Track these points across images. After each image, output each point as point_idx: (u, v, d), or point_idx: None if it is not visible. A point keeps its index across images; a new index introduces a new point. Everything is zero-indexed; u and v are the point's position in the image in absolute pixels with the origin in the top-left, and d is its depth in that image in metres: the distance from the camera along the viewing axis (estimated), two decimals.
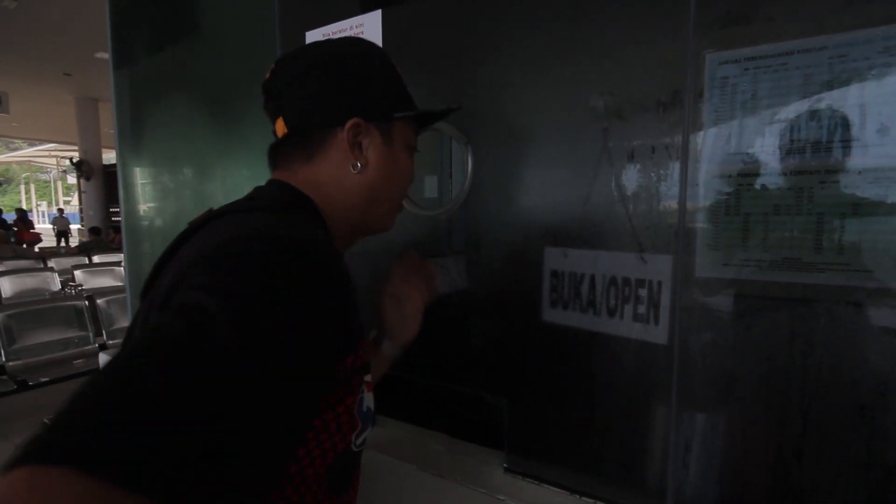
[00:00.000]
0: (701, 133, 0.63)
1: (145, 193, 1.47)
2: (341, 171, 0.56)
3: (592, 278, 0.74)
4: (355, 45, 0.59)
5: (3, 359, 3.01)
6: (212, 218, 0.50)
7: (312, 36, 1.00)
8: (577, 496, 0.75)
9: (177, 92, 1.35)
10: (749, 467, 0.64)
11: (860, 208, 0.55)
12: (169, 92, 1.37)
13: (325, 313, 0.42)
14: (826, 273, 0.57)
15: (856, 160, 0.55)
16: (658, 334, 0.68)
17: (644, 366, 0.70)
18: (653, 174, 0.67)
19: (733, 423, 0.64)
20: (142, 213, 1.48)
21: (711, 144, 0.63)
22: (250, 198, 0.55)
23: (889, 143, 0.53)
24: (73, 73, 8.68)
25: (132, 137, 1.48)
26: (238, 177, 1.22)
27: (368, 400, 0.51)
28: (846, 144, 0.55)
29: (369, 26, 0.91)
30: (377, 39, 0.90)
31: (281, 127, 0.56)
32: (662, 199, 0.67)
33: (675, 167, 0.65)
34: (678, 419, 0.68)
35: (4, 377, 2.96)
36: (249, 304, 0.36)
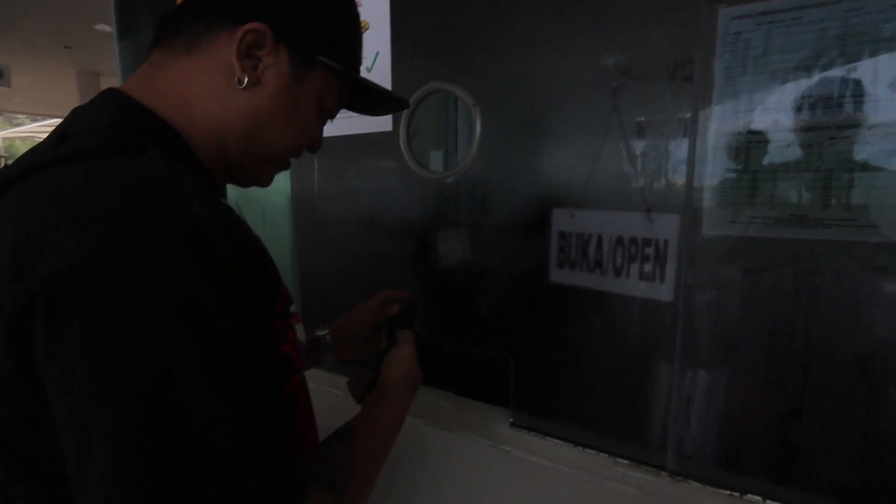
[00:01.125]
0: (712, 91, 0.63)
1: None
2: (223, 79, 0.44)
3: (600, 238, 0.75)
4: None
5: None
6: (15, 180, 0.37)
7: None
8: (581, 448, 0.78)
9: None
10: (749, 422, 0.66)
11: (869, 164, 0.55)
12: None
13: (250, 288, 0.37)
14: (832, 229, 0.58)
15: (866, 116, 0.55)
16: (664, 292, 0.69)
17: (649, 323, 0.71)
18: (662, 133, 0.67)
19: (735, 378, 0.66)
20: None
21: (722, 102, 0.63)
22: (64, 133, 0.40)
23: None
24: (74, 46, 8.57)
25: None
26: None
27: (300, 332, 0.48)
28: (858, 100, 0.55)
29: None
30: (386, 5, 0.89)
31: None
32: (671, 158, 0.67)
33: (686, 125, 0.65)
34: (681, 375, 0.70)
35: None
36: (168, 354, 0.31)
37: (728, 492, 0.67)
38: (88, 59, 9.39)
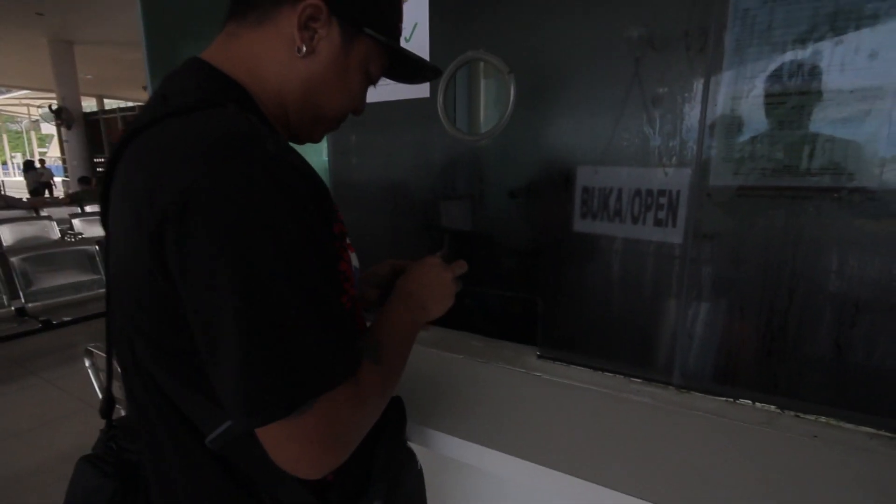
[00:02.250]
0: (722, 60, 0.74)
1: None
2: (285, 49, 0.51)
3: (620, 191, 0.86)
4: None
5: (23, 300, 3.10)
6: (136, 133, 0.47)
7: None
8: (600, 372, 0.91)
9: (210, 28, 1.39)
10: (742, 341, 0.80)
11: (848, 122, 0.67)
12: (201, 28, 1.40)
13: (312, 210, 0.45)
14: (817, 177, 0.70)
15: (848, 81, 0.67)
16: (675, 235, 0.82)
17: (661, 263, 0.84)
18: (678, 98, 0.78)
19: (732, 305, 0.79)
20: None
21: (731, 70, 0.74)
22: (164, 96, 0.49)
23: (876, 66, 0.65)
24: (46, 12, 8.22)
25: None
26: None
27: (354, 259, 0.56)
28: (842, 68, 0.67)
29: None
30: None
31: None
32: (685, 119, 0.78)
33: (699, 90, 0.76)
34: (687, 305, 0.83)
35: (25, 318, 3.07)
36: (269, 251, 0.40)
37: (724, 398, 0.81)
38: (61, 27, 9.02)
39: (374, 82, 0.60)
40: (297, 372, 0.41)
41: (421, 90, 1.01)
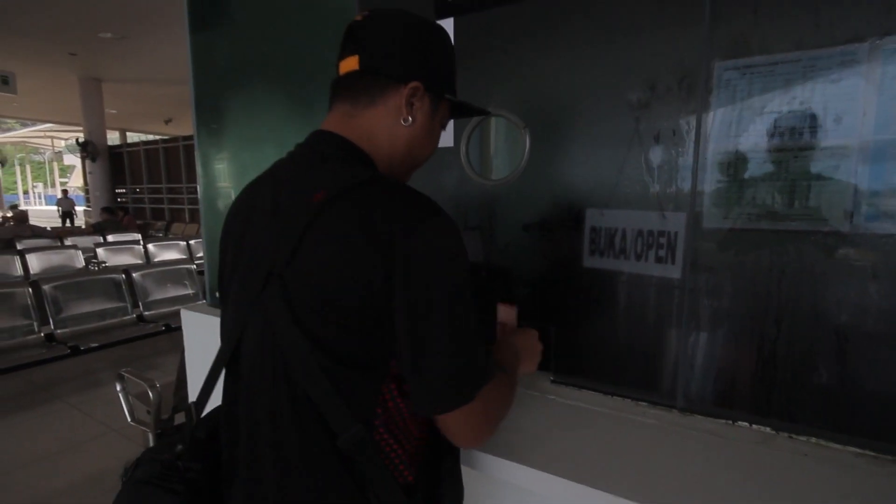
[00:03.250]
0: (710, 120, 0.86)
1: (220, 171, 1.68)
2: (394, 121, 0.66)
3: (624, 231, 0.97)
4: (438, 28, 0.71)
5: (52, 326, 3.23)
6: (336, 199, 0.59)
7: None
8: (610, 396, 1.00)
9: (254, 70, 1.54)
10: (738, 368, 0.89)
11: (820, 175, 0.78)
12: (246, 70, 1.56)
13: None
14: (796, 222, 0.80)
15: (818, 141, 0.78)
16: (673, 271, 0.92)
17: (662, 295, 0.93)
18: (672, 151, 0.90)
19: (727, 334, 0.88)
20: (217, 189, 1.69)
21: (717, 129, 0.85)
22: (323, 154, 0.65)
23: (841, 129, 0.76)
24: (79, 52, 8.73)
25: (209, 115, 1.68)
26: None
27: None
28: (813, 130, 0.78)
29: None
30: None
31: (351, 63, 0.66)
32: (680, 169, 0.89)
33: (690, 146, 0.87)
34: (687, 334, 0.92)
35: (54, 343, 3.19)
36: (463, 279, 0.60)
37: (724, 420, 0.89)
38: (91, 65, 9.54)
39: (444, 128, 0.77)
40: (477, 371, 0.61)
41: (446, 139, 1.14)
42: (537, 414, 0.93)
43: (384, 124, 0.67)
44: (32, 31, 7.62)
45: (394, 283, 0.56)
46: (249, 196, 0.72)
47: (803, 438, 0.82)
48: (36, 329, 3.17)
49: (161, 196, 12.15)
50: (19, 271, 4.75)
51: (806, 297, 0.81)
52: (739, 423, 0.88)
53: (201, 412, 0.73)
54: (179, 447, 0.70)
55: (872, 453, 0.77)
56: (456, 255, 0.59)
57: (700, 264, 0.89)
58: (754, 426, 0.86)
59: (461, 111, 0.79)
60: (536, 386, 1.05)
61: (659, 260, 0.93)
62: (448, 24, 1.11)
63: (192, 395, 1.67)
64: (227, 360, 0.68)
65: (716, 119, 0.85)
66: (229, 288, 0.71)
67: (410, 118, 0.67)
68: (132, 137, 16.35)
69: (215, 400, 0.73)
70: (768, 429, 0.85)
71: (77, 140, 10.85)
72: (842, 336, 0.79)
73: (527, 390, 1.03)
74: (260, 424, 0.63)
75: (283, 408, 0.60)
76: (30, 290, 3.21)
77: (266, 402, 0.62)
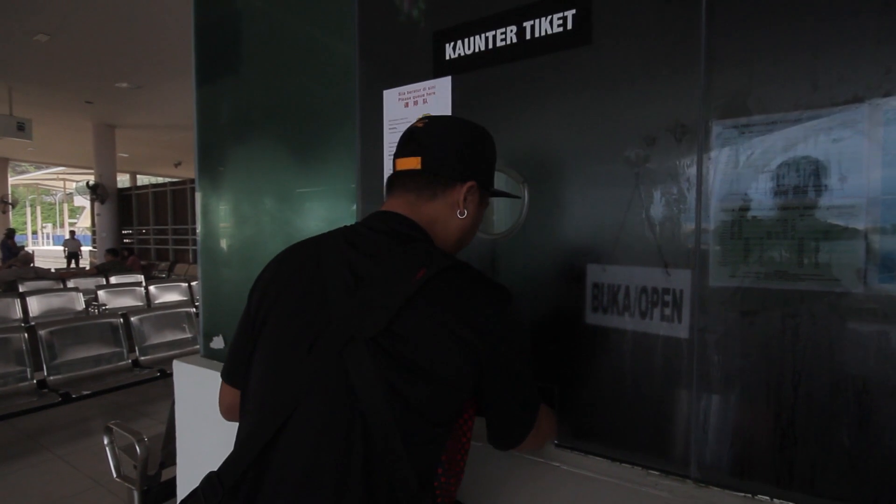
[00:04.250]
0: (710, 177, 0.84)
1: (222, 218, 1.68)
2: (450, 213, 0.78)
3: (627, 288, 0.94)
4: (488, 134, 0.83)
5: (46, 373, 3.17)
6: (434, 277, 0.67)
7: (389, 94, 1.23)
8: (618, 463, 0.93)
9: (256, 122, 1.57)
10: (754, 435, 0.83)
11: (829, 234, 0.76)
12: (248, 121, 1.59)
13: None
14: (806, 281, 0.77)
15: (824, 199, 0.76)
16: (681, 330, 0.88)
17: (670, 356, 0.89)
18: (674, 208, 0.88)
19: (741, 399, 0.83)
20: (218, 235, 1.69)
21: (719, 186, 0.84)
22: (408, 236, 0.74)
23: (846, 188, 0.74)
24: (95, 101, 9.07)
25: (212, 163, 1.70)
26: (316, 206, 1.43)
27: None
28: (817, 188, 0.77)
29: (440, 89, 1.14)
30: (447, 100, 1.13)
31: (413, 163, 0.77)
32: (682, 227, 0.88)
33: (692, 203, 0.86)
34: (698, 398, 0.87)
35: (45, 391, 3.12)
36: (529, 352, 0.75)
37: (742, 494, 0.82)
38: (106, 113, 9.87)
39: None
40: (536, 403, 0.79)
41: None
42: (540, 484, 0.87)
43: (443, 216, 0.78)
44: (51, 81, 7.95)
45: (491, 357, 0.67)
46: (308, 257, 0.75)
47: None
48: (29, 376, 3.10)
49: (166, 237, 12.27)
50: (19, 314, 4.73)
51: (823, 358, 0.76)
52: (759, 496, 0.81)
53: (225, 488, 0.65)
54: None
55: None
56: (524, 324, 0.74)
57: (709, 323, 0.85)
58: (776, 500, 0.80)
59: (495, 195, 0.90)
60: (539, 451, 0.99)
61: (665, 318, 0.90)
62: (446, 83, 1.13)
63: (183, 450, 1.60)
64: (279, 426, 0.63)
65: (717, 176, 0.84)
66: (264, 351, 0.70)
67: (466, 211, 0.78)
68: (142, 180, 16.70)
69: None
70: None
71: (88, 183, 11.08)
72: (863, 399, 0.74)
73: (530, 456, 0.97)
74: (319, 485, 0.60)
75: (355, 466, 0.61)
76: (25, 335, 3.17)
77: (333, 462, 0.61)
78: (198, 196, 1.73)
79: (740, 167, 0.82)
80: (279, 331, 0.70)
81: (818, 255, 0.77)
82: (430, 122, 0.79)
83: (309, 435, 0.63)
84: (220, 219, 1.68)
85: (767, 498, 0.81)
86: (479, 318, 0.66)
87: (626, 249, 0.94)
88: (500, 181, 1.11)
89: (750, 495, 0.82)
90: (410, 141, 0.78)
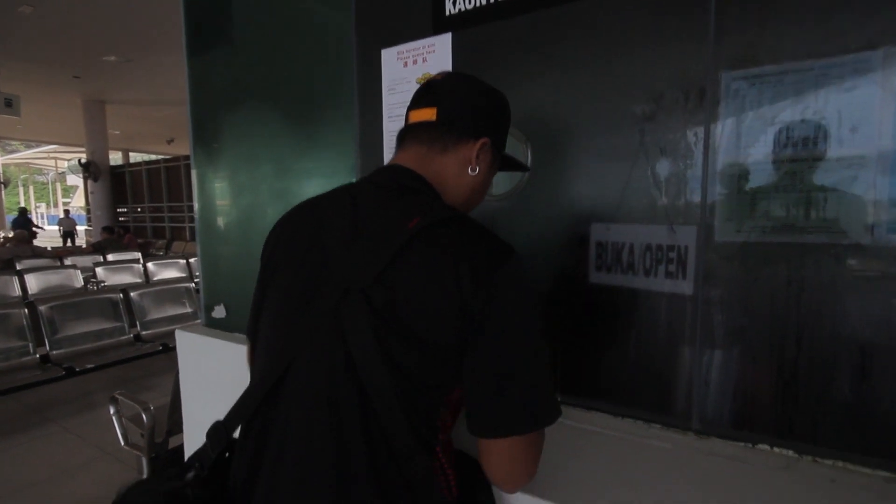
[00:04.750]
0: (718, 131, 0.83)
1: (217, 190, 1.66)
2: (462, 169, 0.74)
3: (631, 246, 0.94)
4: (504, 97, 0.80)
5: (48, 347, 3.18)
6: (429, 227, 0.63)
7: (387, 53, 1.19)
8: (620, 418, 0.95)
9: (250, 92, 1.53)
10: (756, 388, 0.84)
11: (837, 186, 0.75)
12: (242, 91, 1.55)
13: None
14: (813, 234, 0.77)
15: (834, 151, 0.75)
16: (685, 287, 0.88)
17: (673, 312, 0.90)
18: (681, 163, 0.87)
19: (744, 353, 0.84)
20: (216, 204, 1.67)
21: (727, 140, 0.83)
22: (407, 187, 0.70)
23: (858, 139, 0.73)
24: (83, 75, 8.85)
25: (206, 136, 1.66)
26: (315, 174, 1.41)
27: None
28: (827, 139, 0.76)
29: (440, 46, 1.10)
30: (447, 57, 1.10)
31: (427, 114, 0.73)
32: (688, 182, 0.87)
33: (699, 157, 0.85)
34: (701, 353, 0.88)
35: (49, 364, 3.14)
36: (539, 313, 0.69)
37: (743, 444, 0.84)
38: (95, 88, 9.65)
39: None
40: (548, 406, 0.64)
41: None
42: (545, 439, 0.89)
43: (453, 171, 0.74)
44: (38, 56, 7.73)
45: (482, 314, 0.59)
46: (307, 215, 0.74)
47: (829, 462, 0.78)
48: (31, 351, 3.12)
49: (162, 215, 12.18)
50: (17, 291, 4.72)
51: (827, 312, 0.77)
52: (760, 445, 0.83)
53: (226, 438, 0.67)
54: (190, 475, 0.66)
55: None
56: (532, 290, 0.65)
57: (713, 279, 0.85)
58: (776, 449, 0.82)
59: (506, 165, 0.87)
60: None
61: (669, 275, 0.90)
62: (446, 40, 1.10)
63: (189, 417, 1.62)
64: (278, 376, 0.64)
65: (725, 130, 0.83)
66: (270, 304, 0.70)
67: (478, 168, 0.74)
68: (135, 157, 16.47)
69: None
70: (791, 452, 0.80)
71: (80, 161, 10.92)
72: (867, 353, 0.75)
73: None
74: (317, 442, 0.60)
75: (354, 424, 0.59)
76: (26, 310, 3.17)
77: (330, 418, 0.60)
78: (193, 168, 1.70)
79: (749, 120, 0.81)
80: (283, 285, 0.70)
81: (826, 207, 0.76)
82: (448, 75, 0.78)
83: (306, 389, 0.62)
84: (216, 188, 1.66)
85: (767, 447, 0.82)
86: (477, 271, 0.60)
87: (631, 207, 0.93)
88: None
89: (750, 445, 0.84)
90: (427, 93, 0.76)
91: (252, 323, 0.76)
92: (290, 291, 0.68)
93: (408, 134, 0.77)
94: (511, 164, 0.87)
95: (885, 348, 0.73)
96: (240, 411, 0.66)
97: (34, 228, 11.70)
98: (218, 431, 0.67)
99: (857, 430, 0.77)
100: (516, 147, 1.05)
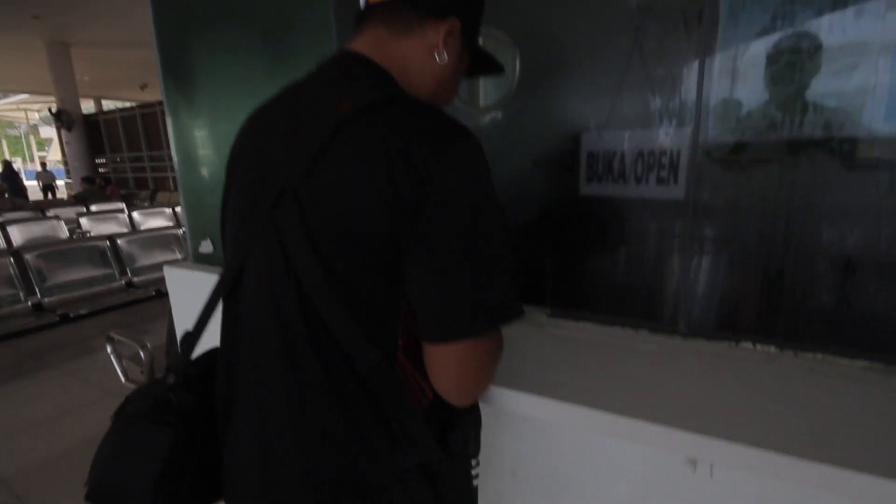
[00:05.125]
0: (717, 27, 0.78)
1: (194, 122, 1.58)
2: (427, 56, 0.63)
3: (623, 154, 0.91)
4: None
5: (39, 295, 3.17)
6: (362, 111, 0.55)
7: None
8: (609, 326, 0.97)
9: (219, 15, 1.42)
10: (743, 290, 0.85)
11: (837, 76, 0.72)
12: (210, 14, 1.44)
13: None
14: (809, 128, 0.75)
15: (836, 39, 0.72)
16: (676, 191, 0.87)
17: (664, 218, 0.89)
18: (676, 63, 0.83)
19: (732, 254, 0.84)
20: (194, 141, 1.60)
21: (726, 35, 0.78)
22: (351, 76, 0.60)
23: (862, 24, 0.69)
24: (42, 15, 8.24)
25: (177, 74, 1.56)
26: None
27: None
28: (830, 26, 0.72)
29: None
30: None
31: None
32: (684, 82, 0.83)
33: (695, 51, 0.81)
34: (690, 257, 0.88)
35: (42, 311, 3.14)
36: (494, 204, 0.55)
37: (727, 343, 0.86)
38: (57, 28, 9.03)
39: (463, 78, 0.74)
40: (497, 305, 0.55)
41: None
42: (534, 345, 0.90)
43: (417, 57, 0.63)
44: None
45: (416, 205, 0.51)
46: (260, 115, 0.67)
47: (809, 355, 0.80)
48: (22, 299, 3.11)
49: (143, 164, 11.82)
50: (2, 244, 4.64)
51: (818, 210, 0.76)
52: (743, 343, 0.85)
53: (195, 344, 0.68)
54: (171, 380, 0.67)
55: (882, 365, 0.75)
56: (487, 179, 0.55)
57: (705, 183, 0.84)
58: (758, 346, 0.84)
59: (478, 67, 0.75)
60: (532, 321, 1.02)
61: (660, 181, 0.88)
62: None
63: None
64: (228, 288, 0.63)
65: (724, 23, 0.78)
66: (229, 207, 0.67)
67: (445, 55, 0.63)
68: (108, 106, 15.74)
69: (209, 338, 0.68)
70: (773, 348, 0.83)
71: (50, 109, 10.42)
72: (853, 252, 0.75)
73: (522, 325, 1.00)
74: (270, 354, 0.59)
75: (299, 336, 0.56)
76: (12, 259, 3.12)
77: (279, 330, 0.57)
78: (164, 98, 1.61)
79: (751, 12, 0.76)
80: (237, 187, 0.67)
81: (824, 100, 0.73)
82: None
83: (255, 298, 0.60)
84: (191, 120, 1.58)
85: (751, 345, 0.84)
86: (411, 156, 0.51)
87: (624, 113, 0.90)
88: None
89: (734, 343, 0.86)
90: None
91: (221, 227, 0.74)
92: (241, 193, 0.65)
93: (364, 14, 0.66)
94: (484, 65, 0.76)
95: (872, 246, 0.74)
96: (201, 318, 0.66)
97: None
98: (187, 338, 0.67)
99: (839, 326, 0.78)
100: (504, 54, 0.99)
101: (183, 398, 0.66)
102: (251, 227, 0.60)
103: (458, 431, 0.63)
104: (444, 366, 0.56)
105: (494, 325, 0.55)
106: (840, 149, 0.73)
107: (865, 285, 0.76)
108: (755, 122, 0.78)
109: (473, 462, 0.68)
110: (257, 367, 0.61)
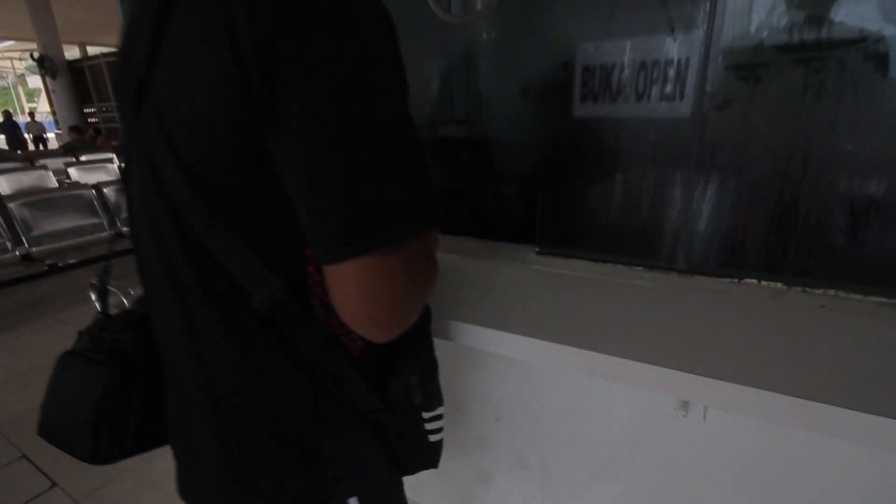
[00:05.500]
0: None
1: None
2: None
3: (622, 66, 0.80)
4: None
5: (27, 245, 3.11)
6: None
7: None
8: (601, 263, 0.89)
9: None
10: (751, 221, 0.76)
11: None
12: None
13: (398, 48, 0.43)
14: (839, 26, 0.63)
15: None
16: (682, 109, 0.76)
17: (667, 142, 0.79)
18: None
19: (744, 178, 0.75)
20: None
21: None
22: None
23: None
24: None
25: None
26: None
27: None
28: None
29: None
30: None
31: None
32: None
33: None
34: (694, 185, 0.79)
35: (33, 261, 3.10)
36: (380, 70, 0.40)
37: (728, 279, 0.79)
38: None
39: None
40: (393, 208, 0.41)
41: None
42: (518, 283, 0.83)
43: None
44: None
45: (271, 76, 0.37)
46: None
47: (819, 292, 0.72)
48: (10, 248, 3.05)
49: None
50: None
51: (844, 122, 0.66)
52: (747, 280, 0.77)
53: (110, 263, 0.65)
54: (100, 317, 0.63)
55: None
56: (370, 29, 0.39)
57: (716, 96, 0.73)
58: (763, 282, 0.76)
59: None
60: (518, 258, 0.94)
61: (664, 97, 0.77)
62: None
63: None
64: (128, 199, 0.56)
65: None
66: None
67: None
68: (93, 52, 15.11)
69: None
70: (779, 284, 0.75)
71: (31, 55, 9.99)
72: (880, 175, 0.66)
73: (510, 263, 0.92)
74: (161, 288, 0.51)
75: (180, 267, 0.47)
76: None
77: (163, 261, 0.49)
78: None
79: None
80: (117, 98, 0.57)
81: None
82: None
83: (140, 227, 0.53)
84: None
85: (755, 281, 0.77)
86: (261, 5, 0.37)
87: (624, 16, 0.77)
88: None
89: (737, 280, 0.78)
90: None
91: None
92: (116, 97, 0.55)
93: None
94: None
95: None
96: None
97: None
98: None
99: (855, 260, 0.70)
100: None
101: (122, 336, 0.61)
102: (129, 135, 0.51)
103: (399, 378, 0.55)
104: (344, 292, 0.43)
105: (396, 237, 0.41)
106: (874, 50, 0.62)
107: (891, 216, 0.67)
108: (776, 21, 0.67)
109: (428, 415, 0.60)
110: (156, 304, 0.54)
